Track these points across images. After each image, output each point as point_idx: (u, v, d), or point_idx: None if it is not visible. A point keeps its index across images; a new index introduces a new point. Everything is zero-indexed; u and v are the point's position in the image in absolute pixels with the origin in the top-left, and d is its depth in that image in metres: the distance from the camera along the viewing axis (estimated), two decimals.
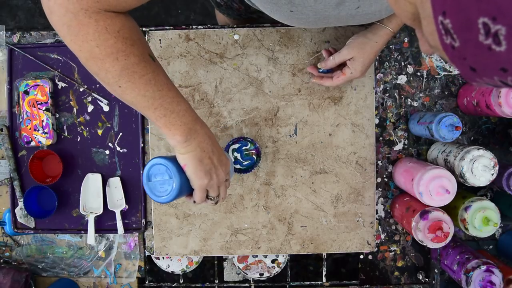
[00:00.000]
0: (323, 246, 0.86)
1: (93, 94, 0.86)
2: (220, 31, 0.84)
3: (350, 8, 0.56)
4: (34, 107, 0.85)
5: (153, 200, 0.86)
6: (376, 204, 0.87)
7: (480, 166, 0.71)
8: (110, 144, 0.87)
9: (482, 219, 0.74)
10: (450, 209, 0.78)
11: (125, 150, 0.87)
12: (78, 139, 0.87)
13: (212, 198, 0.62)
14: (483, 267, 0.73)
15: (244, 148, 0.82)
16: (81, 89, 0.86)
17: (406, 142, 0.87)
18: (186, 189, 0.58)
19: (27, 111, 0.85)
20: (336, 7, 0.56)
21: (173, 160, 0.57)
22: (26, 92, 0.84)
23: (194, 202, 0.61)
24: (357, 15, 0.58)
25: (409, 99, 0.86)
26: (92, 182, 0.87)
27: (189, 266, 0.90)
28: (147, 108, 0.53)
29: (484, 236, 0.76)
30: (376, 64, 0.86)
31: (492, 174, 0.71)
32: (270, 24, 0.85)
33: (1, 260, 0.90)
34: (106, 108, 0.86)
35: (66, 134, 0.87)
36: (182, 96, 0.56)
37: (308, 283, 0.91)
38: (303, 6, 0.55)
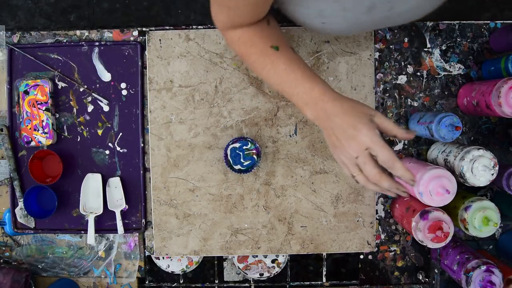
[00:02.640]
0: (323, 246, 0.86)
1: (93, 94, 0.86)
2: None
3: (383, 10, 0.56)
4: (34, 107, 0.85)
5: (153, 200, 0.86)
6: (376, 204, 0.87)
7: (480, 166, 0.71)
8: (110, 144, 0.87)
9: (482, 219, 0.74)
10: (450, 209, 0.78)
11: (125, 150, 0.87)
12: (78, 139, 0.87)
13: (353, 175, 0.59)
14: (483, 267, 0.73)
15: (244, 147, 0.82)
16: (81, 89, 0.86)
17: (406, 142, 0.87)
18: None
19: (27, 111, 0.85)
20: (367, 12, 0.55)
21: None
22: (26, 92, 0.84)
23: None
24: (392, 15, 0.57)
25: (409, 99, 0.86)
26: (92, 182, 0.87)
27: (189, 266, 0.90)
28: (278, 90, 0.64)
29: (484, 236, 0.76)
30: (376, 64, 0.86)
31: (492, 174, 0.71)
32: None
33: (1, 260, 0.90)
34: (106, 108, 0.86)
35: (66, 134, 0.87)
36: (301, 78, 0.59)
37: (308, 283, 0.91)
38: (334, 17, 0.56)
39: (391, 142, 0.87)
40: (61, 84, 0.87)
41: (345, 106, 0.57)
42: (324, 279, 0.91)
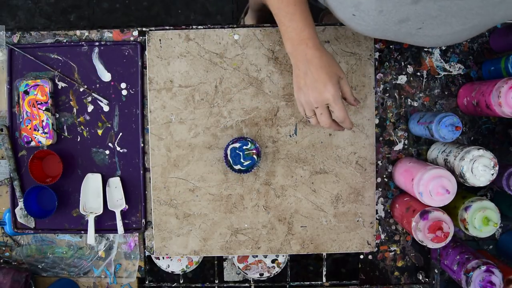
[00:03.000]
0: (323, 246, 0.86)
1: (93, 94, 0.86)
2: (220, 31, 0.84)
3: (412, 27, 0.57)
4: (34, 107, 0.85)
5: (153, 200, 0.86)
6: (376, 204, 0.87)
7: (480, 166, 0.71)
8: (110, 144, 0.87)
9: (482, 219, 0.74)
10: (450, 209, 0.78)
11: (125, 150, 0.87)
12: (78, 139, 0.87)
13: (308, 116, 0.67)
14: (483, 267, 0.73)
15: (244, 147, 0.82)
16: (81, 89, 0.86)
17: (406, 142, 0.87)
18: None
19: (27, 111, 0.85)
20: (398, 23, 0.56)
21: None
22: (26, 92, 0.84)
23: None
24: (417, 35, 0.59)
25: (409, 99, 0.86)
26: (92, 182, 0.87)
27: (189, 266, 0.90)
28: (272, 10, 0.64)
29: (484, 236, 0.76)
30: (376, 64, 0.86)
31: (492, 174, 0.71)
32: (270, 24, 0.85)
33: (1, 260, 0.90)
34: (106, 108, 0.86)
35: (66, 134, 0.87)
36: (302, 16, 0.62)
37: (308, 283, 0.91)
38: (366, 14, 0.56)
39: (391, 142, 0.87)
40: (61, 84, 0.87)
41: (323, 60, 0.62)
42: (324, 279, 0.91)
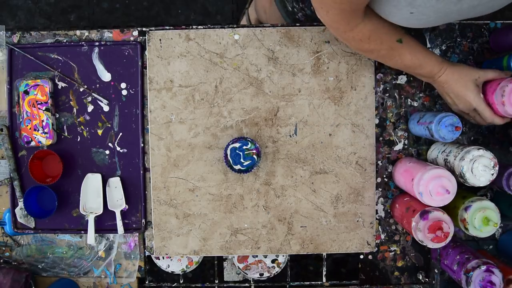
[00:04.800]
0: (323, 246, 0.86)
1: (93, 94, 0.86)
2: (220, 31, 0.84)
3: None
4: (34, 107, 0.85)
5: (153, 200, 0.86)
6: (376, 204, 0.87)
7: (480, 166, 0.71)
8: (110, 144, 0.87)
9: (482, 219, 0.74)
10: (450, 209, 0.78)
11: (125, 150, 0.87)
12: (78, 139, 0.87)
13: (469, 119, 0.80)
14: (483, 267, 0.73)
15: (244, 147, 0.82)
16: (81, 89, 0.86)
17: (406, 142, 0.87)
18: None
19: (27, 111, 0.85)
20: (458, 1, 0.56)
21: None
22: (26, 92, 0.84)
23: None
24: (480, 4, 0.58)
25: (409, 99, 0.86)
26: (92, 182, 0.87)
27: (189, 266, 0.90)
28: (404, 71, 0.80)
29: (484, 236, 0.76)
30: (376, 64, 0.86)
31: (492, 174, 0.71)
32: (270, 24, 0.85)
33: (1, 260, 0.90)
34: (106, 108, 0.86)
35: (66, 134, 0.87)
36: (424, 62, 0.73)
37: (308, 283, 0.91)
38: (424, 7, 0.56)
39: (391, 142, 0.87)
40: (61, 84, 0.87)
41: (455, 76, 0.73)
42: (324, 279, 0.91)
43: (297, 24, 0.84)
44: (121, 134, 0.87)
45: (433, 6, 0.56)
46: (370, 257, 0.89)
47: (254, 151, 0.82)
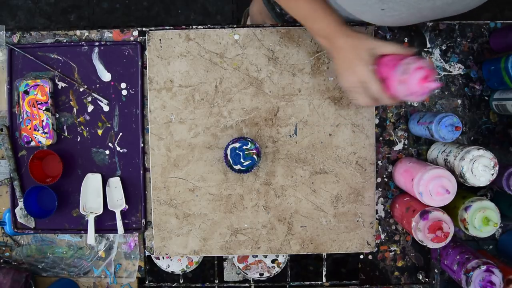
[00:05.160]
0: (323, 246, 0.86)
1: (93, 94, 0.86)
2: (220, 31, 0.84)
3: None
4: (34, 107, 0.85)
5: (153, 200, 0.86)
6: (376, 204, 0.87)
7: (480, 166, 0.71)
8: (110, 144, 0.87)
9: (482, 219, 0.74)
10: (450, 209, 0.78)
11: (125, 150, 0.87)
12: (78, 139, 0.87)
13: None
14: (483, 267, 0.73)
15: (244, 147, 0.82)
16: (81, 89, 0.86)
17: (406, 142, 0.87)
18: None
19: (27, 111, 0.85)
20: None
21: None
22: (26, 92, 0.84)
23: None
24: (454, 2, 0.56)
25: None
26: (92, 182, 0.87)
27: (189, 266, 0.90)
28: (302, 22, 0.71)
29: (484, 236, 0.76)
30: None
31: (492, 174, 0.71)
32: (270, 24, 0.85)
33: (1, 260, 0.90)
34: (106, 108, 0.86)
35: (66, 134, 0.87)
36: (321, 16, 0.66)
37: (308, 283, 0.91)
38: (395, 3, 0.55)
39: (391, 142, 0.87)
40: (61, 84, 0.87)
41: (349, 43, 0.65)
42: (324, 279, 0.91)
43: (297, 24, 0.84)
44: (121, 134, 0.87)
45: (404, 1, 0.55)
46: (370, 257, 0.89)
47: (254, 151, 0.82)
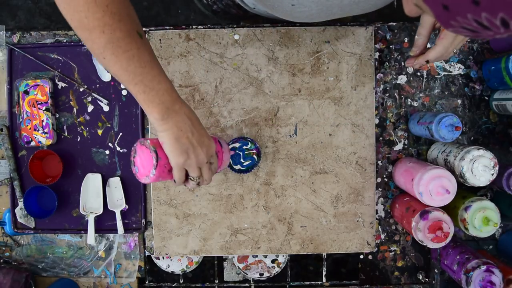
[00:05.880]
0: (323, 246, 0.86)
1: (93, 94, 0.86)
2: (220, 31, 0.84)
3: None
4: (34, 107, 0.85)
5: (153, 200, 0.86)
6: (376, 204, 0.87)
7: (480, 166, 0.71)
8: (110, 144, 0.87)
9: (482, 219, 0.74)
10: (450, 209, 0.78)
11: (125, 150, 0.87)
12: (78, 139, 0.87)
13: (193, 179, 0.61)
14: (483, 267, 0.73)
15: (244, 147, 0.82)
16: (81, 89, 0.86)
17: (406, 142, 0.87)
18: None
19: (27, 111, 0.85)
20: None
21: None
22: (26, 92, 0.84)
23: (174, 182, 0.61)
24: (361, 1, 0.57)
25: (409, 99, 0.86)
26: (92, 182, 0.87)
27: (189, 266, 0.90)
28: (128, 82, 0.54)
29: (484, 236, 0.76)
30: (376, 64, 0.86)
31: (492, 174, 0.71)
32: (270, 24, 0.85)
33: (1, 260, 0.90)
34: (106, 108, 0.86)
35: (66, 134, 0.87)
36: (165, 76, 0.56)
37: (308, 283, 0.91)
38: None
39: (391, 142, 0.87)
40: (61, 84, 0.87)
41: (195, 114, 0.60)
42: (324, 279, 0.91)
43: (297, 24, 0.84)
44: (121, 134, 0.87)
45: None
46: (370, 257, 0.89)
47: (254, 151, 0.82)
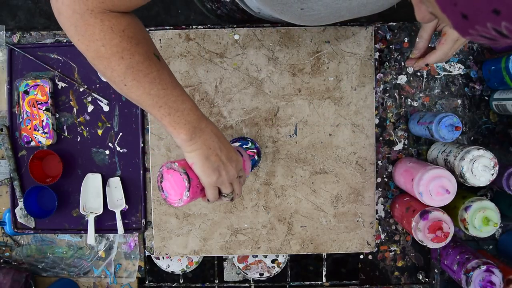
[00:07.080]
0: (323, 246, 0.86)
1: (93, 94, 0.86)
2: (220, 31, 0.84)
3: None
4: (34, 107, 0.85)
5: (153, 200, 0.86)
6: (376, 204, 0.87)
7: (480, 166, 0.71)
8: (110, 144, 0.87)
9: (482, 219, 0.74)
10: (450, 209, 0.78)
11: (125, 150, 0.87)
12: (78, 139, 0.87)
13: (226, 195, 0.60)
14: (483, 267, 0.73)
15: (245, 147, 0.82)
16: (81, 89, 0.86)
17: (406, 142, 0.87)
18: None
19: (27, 111, 0.85)
20: None
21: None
22: (26, 92, 0.84)
23: (208, 201, 0.59)
24: (369, 3, 0.57)
25: (409, 99, 0.86)
26: (92, 182, 0.87)
27: (189, 266, 0.90)
28: (152, 107, 0.53)
29: (484, 236, 0.76)
30: (376, 64, 0.86)
31: (492, 174, 0.71)
32: (270, 24, 0.85)
33: (1, 260, 0.90)
34: (106, 108, 0.86)
35: (66, 134, 0.87)
36: (187, 95, 0.55)
37: (308, 283, 0.91)
38: (313, 2, 0.54)
39: (391, 142, 0.87)
40: (61, 84, 0.87)
41: (219, 130, 0.58)
42: (324, 279, 0.91)
43: (297, 24, 0.84)
44: (121, 134, 0.87)
45: (323, 1, 0.55)
46: (370, 257, 0.89)
47: (254, 151, 0.82)
